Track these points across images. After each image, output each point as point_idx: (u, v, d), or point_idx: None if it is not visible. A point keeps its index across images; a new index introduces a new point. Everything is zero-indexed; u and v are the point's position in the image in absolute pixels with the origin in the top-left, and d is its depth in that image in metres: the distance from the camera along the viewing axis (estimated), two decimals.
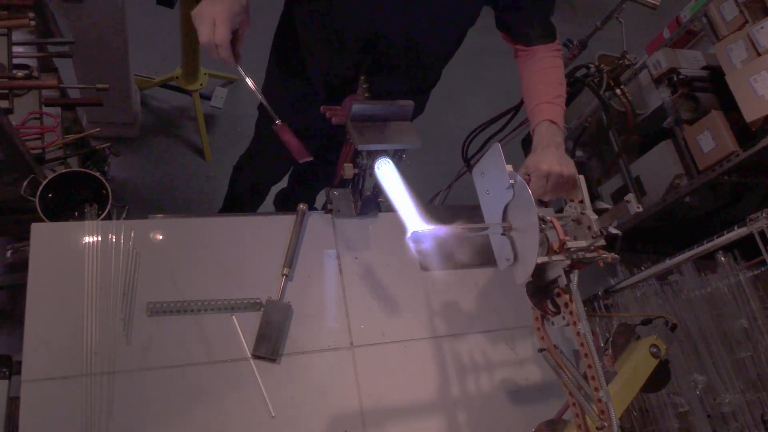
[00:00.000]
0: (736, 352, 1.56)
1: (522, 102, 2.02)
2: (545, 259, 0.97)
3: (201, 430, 1.08)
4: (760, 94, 2.14)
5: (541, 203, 1.12)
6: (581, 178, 1.10)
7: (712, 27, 2.44)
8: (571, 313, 0.97)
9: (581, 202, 1.07)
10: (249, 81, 1.15)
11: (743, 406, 1.51)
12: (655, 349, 1.11)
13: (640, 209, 0.93)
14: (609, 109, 2.35)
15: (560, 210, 1.11)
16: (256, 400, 1.12)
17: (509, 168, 1.01)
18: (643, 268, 1.63)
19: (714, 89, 2.56)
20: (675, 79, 2.62)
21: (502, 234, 1.04)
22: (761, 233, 1.33)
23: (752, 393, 1.54)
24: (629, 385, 1.06)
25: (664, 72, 2.69)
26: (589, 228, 1.00)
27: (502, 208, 1.04)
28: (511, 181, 1.00)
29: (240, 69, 1.13)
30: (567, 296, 0.98)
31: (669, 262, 1.52)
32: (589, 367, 0.95)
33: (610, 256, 1.00)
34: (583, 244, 0.98)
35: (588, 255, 0.98)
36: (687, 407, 1.53)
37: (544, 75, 1.27)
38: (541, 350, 1.06)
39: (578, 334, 0.96)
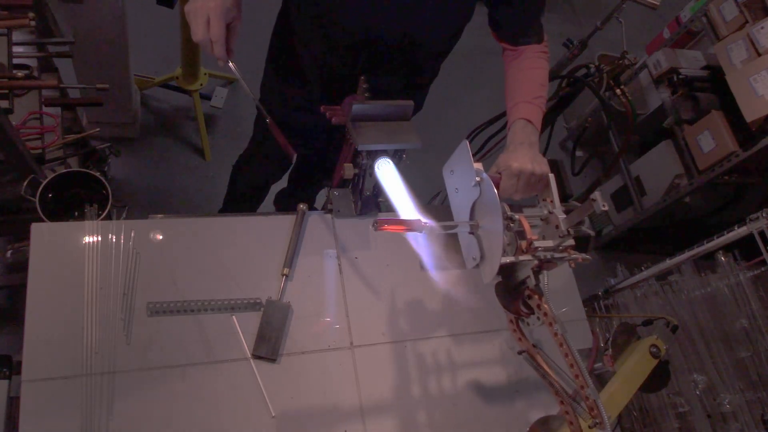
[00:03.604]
0: (736, 352, 1.56)
1: None
2: (511, 258, 0.96)
3: (201, 430, 1.08)
4: (760, 94, 2.14)
5: (515, 202, 1.10)
6: (551, 176, 1.08)
7: (712, 27, 2.44)
8: (545, 314, 0.95)
9: (552, 201, 1.05)
10: (240, 77, 1.15)
11: (743, 406, 1.51)
12: (655, 349, 1.11)
13: (606, 207, 0.92)
14: (609, 109, 2.35)
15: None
16: (256, 400, 1.12)
17: (477, 166, 1.00)
18: (643, 268, 1.63)
19: (714, 89, 2.56)
20: (675, 79, 2.62)
21: (470, 233, 1.03)
22: (761, 233, 1.33)
23: (752, 393, 1.54)
24: (628, 384, 1.06)
25: (664, 72, 2.69)
26: (557, 227, 0.98)
27: (470, 206, 1.03)
28: (478, 179, 0.98)
29: (232, 65, 1.12)
30: (537, 297, 0.96)
31: (669, 262, 1.53)
32: (572, 366, 0.93)
33: (580, 256, 0.97)
34: (550, 243, 0.96)
35: (557, 255, 0.96)
36: (687, 407, 1.53)
37: (526, 75, 1.27)
38: (520, 352, 1.04)
39: (555, 335, 0.94)
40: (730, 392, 1.51)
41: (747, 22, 2.28)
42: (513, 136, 1.19)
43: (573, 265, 0.99)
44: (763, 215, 1.34)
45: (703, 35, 2.95)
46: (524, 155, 1.12)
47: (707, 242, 1.45)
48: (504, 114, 2.04)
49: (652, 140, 2.73)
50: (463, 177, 1.03)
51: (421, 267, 1.38)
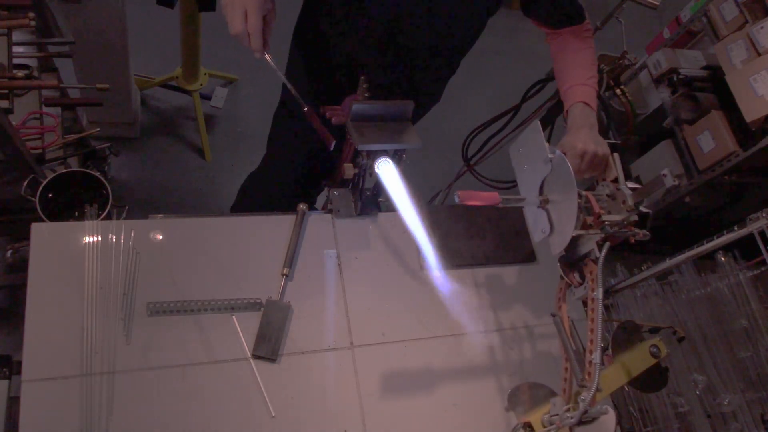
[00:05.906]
0: (736, 352, 1.56)
1: (522, 102, 2.03)
2: (581, 231, 1.02)
3: (201, 430, 1.08)
4: (760, 94, 2.13)
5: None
6: (616, 156, 1.16)
7: (712, 27, 2.44)
8: (592, 280, 1.02)
9: (613, 181, 1.12)
10: (276, 68, 1.17)
11: (743, 406, 1.51)
12: (655, 350, 1.12)
13: (677, 182, 0.97)
14: (609, 109, 2.35)
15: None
16: (256, 400, 1.12)
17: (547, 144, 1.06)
18: (643, 268, 1.62)
19: (714, 89, 2.55)
20: (675, 79, 2.62)
21: (539, 207, 1.09)
22: (761, 233, 1.33)
23: (752, 393, 1.54)
24: (621, 371, 1.09)
25: (664, 72, 2.69)
26: (624, 202, 1.04)
27: (540, 182, 1.09)
28: (551, 156, 1.04)
29: (268, 57, 1.15)
30: (594, 265, 1.04)
31: (669, 262, 1.52)
32: (591, 331, 0.99)
33: (641, 232, 1.05)
34: (617, 218, 1.03)
35: (621, 230, 1.03)
36: (687, 407, 1.53)
37: (575, 58, 1.31)
38: (553, 315, 1.12)
39: (593, 300, 1.01)
40: (730, 392, 1.51)
41: (747, 22, 2.28)
42: (573, 119, 1.24)
43: (633, 240, 1.05)
44: (763, 215, 1.33)
45: (703, 35, 2.94)
46: (587, 137, 1.18)
47: (707, 242, 1.44)
48: (503, 114, 2.06)
49: (652, 140, 2.73)
50: (534, 155, 1.09)
51: (421, 267, 1.38)
